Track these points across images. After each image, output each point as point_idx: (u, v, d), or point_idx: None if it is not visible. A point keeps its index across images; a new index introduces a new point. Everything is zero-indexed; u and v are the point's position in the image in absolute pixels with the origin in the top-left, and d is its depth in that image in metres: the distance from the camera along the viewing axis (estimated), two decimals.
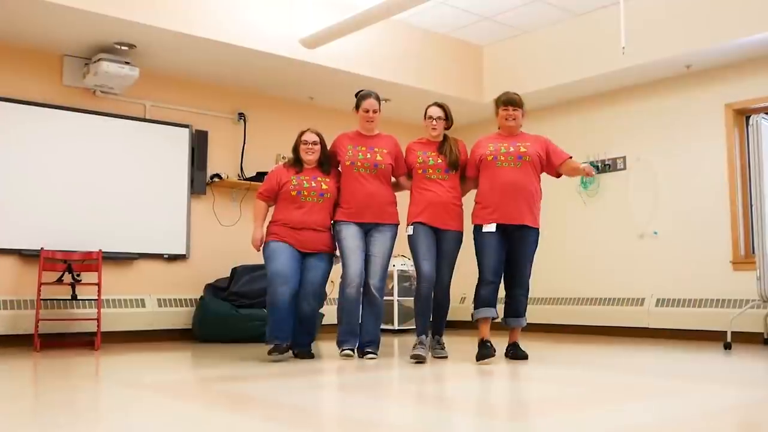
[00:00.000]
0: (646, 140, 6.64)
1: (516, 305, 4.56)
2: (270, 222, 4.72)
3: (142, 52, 5.85)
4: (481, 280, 4.50)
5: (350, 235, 4.61)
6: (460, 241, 4.68)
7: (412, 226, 4.62)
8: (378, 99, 4.76)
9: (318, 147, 4.69)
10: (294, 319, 4.54)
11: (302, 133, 4.74)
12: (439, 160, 4.61)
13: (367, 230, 4.67)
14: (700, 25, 5.74)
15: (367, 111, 4.70)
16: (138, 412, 2.80)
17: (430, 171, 4.62)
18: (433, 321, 4.73)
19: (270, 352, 4.43)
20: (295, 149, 4.74)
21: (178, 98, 6.53)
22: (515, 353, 4.55)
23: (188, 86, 6.60)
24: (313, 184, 4.65)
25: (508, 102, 4.57)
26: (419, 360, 4.38)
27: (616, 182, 6.83)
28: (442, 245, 4.62)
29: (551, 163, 4.61)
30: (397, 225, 4.75)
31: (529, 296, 4.62)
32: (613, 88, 6.85)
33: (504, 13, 6.52)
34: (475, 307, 4.50)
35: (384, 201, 4.67)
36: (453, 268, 4.68)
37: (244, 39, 5.74)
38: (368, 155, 4.66)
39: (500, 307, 4.59)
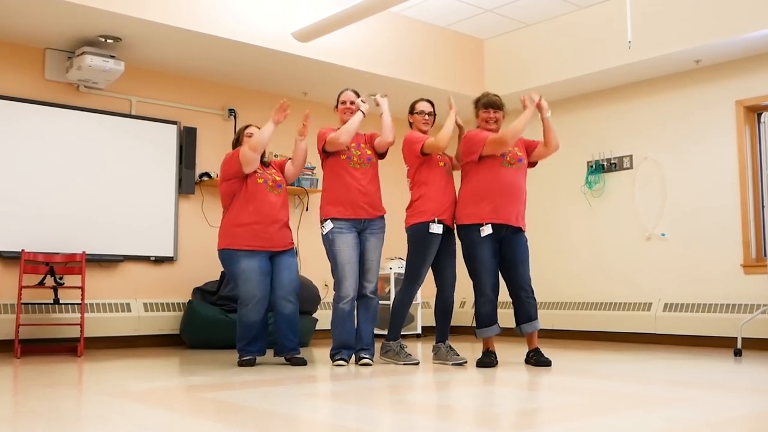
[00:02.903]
0: (653, 138, 6.65)
1: (525, 308, 4.57)
2: (231, 224, 4.69)
3: (128, 46, 5.84)
4: (481, 295, 4.58)
5: (347, 246, 4.61)
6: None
7: (441, 225, 4.61)
8: (357, 94, 4.84)
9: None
10: (279, 323, 4.70)
11: (245, 128, 4.86)
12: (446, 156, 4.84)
13: (360, 230, 4.69)
14: (709, 19, 5.75)
15: (345, 102, 4.78)
16: (122, 421, 2.79)
17: (448, 166, 4.79)
18: (441, 325, 4.82)
19: (241, 365, 4.62)
20: (238, 143, 4.83)
21: (166, 94, 6.52)
22: (537, 359, 4.55)
23: (176, 81, 6.59)
24: (272, 176, 4.78)
25: (489, 104, 4.66)
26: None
27: (622, 182, 6.83)
28: (450, 245, 4.78)
29: (534, 153, 4.72)
30: (384, 217, 4.82)
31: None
32: (618, 84, 6.85)
33: (506, 6, 6.53)
34: (478, 326, 4.63)
35: (376, 195, 4.76)
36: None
37: (235, 32, 5.73)
38: (358, 152, 4.72)
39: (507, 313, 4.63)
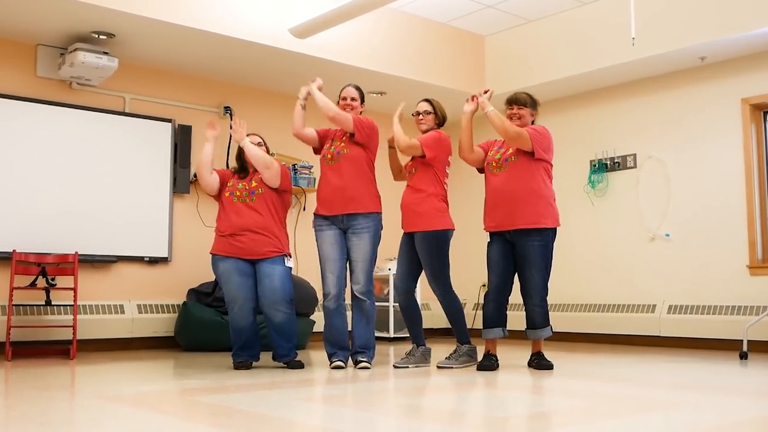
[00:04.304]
0: (657, 137, 6.65)
1: (531, 317, 4.59)
2: (215, 232, 4.85)
3: (122, 42, 5.84)
4: (485, 296, 4.69)
5: (325, 243, 4.70)
6: (434, 242, 4.65)
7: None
8: (359, 90, 4.85)
9: (262, 149, 4.85)
10: (269, 330, 4.72)
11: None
12: (410, 161, 4.83)
13: (344, 229, 4.70)
14: (715, 15, 5.74)
15: (345, 98, 4.78)
16: (115, 425, 2.79)
17: (405, 173, 4.87)
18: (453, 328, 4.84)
19: (237, 367, 4.66)
20: (239, 156, 4.88)
21: (160, 91, 6.51)
22: (539, 363, 4.59)
23: (171, 78, 6.58)
24: (246, 185, 4.77)
25: (512, 101, 4.69)
26: (398, 367, 4.68)
27: (625, 181, 6.83)
28: (418, 250, 4.74)
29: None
30: (375, 214, 4.73)
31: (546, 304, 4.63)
32: (622, 82, 6.85)
33: (507, 1, 6.52)
34: (482, 326, 4.67)
35: (355, 191, 4.67)
36: (437, 273, 4.68)
37: (231, 28, 5.73)
38: (333, 148, 4.75)
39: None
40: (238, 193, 4.74)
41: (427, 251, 4.65)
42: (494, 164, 4.63)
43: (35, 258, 5.54)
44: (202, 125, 6.62)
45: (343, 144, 4.72)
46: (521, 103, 4.64)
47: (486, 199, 4.70)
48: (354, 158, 4.69)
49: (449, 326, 4.91)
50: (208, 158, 4.78)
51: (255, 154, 4.71)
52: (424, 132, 4.80)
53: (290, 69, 6.49)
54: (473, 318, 7.60)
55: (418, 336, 4.82)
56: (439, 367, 4.62)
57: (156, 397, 3.56)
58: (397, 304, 4.86)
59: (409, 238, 4.78)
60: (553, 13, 6.78)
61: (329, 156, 4.74)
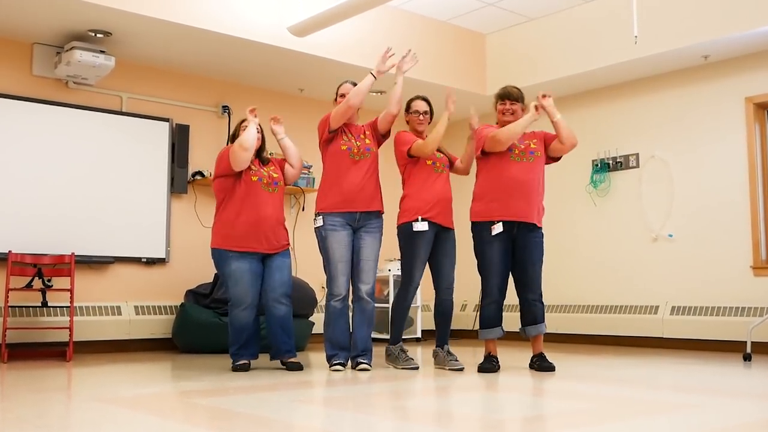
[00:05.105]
0: (660, 136, 6.65)
1: (532, 311, 4.58)
2: (224, 222, 4.70)
3: (119, 40, 5.84)
4: (486, 296, 4.59)
5: (340, 244, 4.62)
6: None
7: (426, 222, 4.62)
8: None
9: (260, 136, 4.80)
10: (271, 325, 4.71)
11: (242, 122, 4.80)
12: (440, 155, 4.81)
13: (356, 228, 4.68)
14: (718, 13, 5.75)
15: (343, 95, 4.75)
16: (113, 428, 2.79)
17: (438, 164, 4.77)
18: (439, 329, 4.79)
19: (235, 369, 4.62)
20: (235, 138, 4.81)
21: (158, 90, 6.51)
22: (541, 365, 4.57)
23: (168, 77, 6.59)
24: (269, 173, 4.76)
25: (505, 95, 4.67)
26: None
27: (628, 181, 6.84)
28: (445, 245, 4.72)
29: (550, 147, 4.67)
30: (382, 215, 4.80)
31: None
32: (624, 80, 6.86)
33: None
34: (481, 327, 4.63)
35: (375, 189, 4.75)
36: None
37: (229, 26, 5.73)
38: (358, 143, 4.73)
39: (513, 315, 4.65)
40: (265, 181, 4.71)
41: (454, 248, 4.77)
42: (516, 152, 4.55)
43: (31, 259, 5.54)
44: (200, 124, 6.69)
45: (369, 141, 4.74)
46: (514, 98, 4.65)
47: (500, 185, 4.54)
48: (376, 156, 4.78)
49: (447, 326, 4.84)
50: (255, 139, 4.65)
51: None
52: (421, 132, 4.81)
53: (289, 68, 6.50)
54: (474, 319, 7.60)
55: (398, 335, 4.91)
56: (451, 370, 4.60)
57: (154, 400, 3.56)
58: (410, 301, 4.76)
59: (432, 235, 4.68)
60: (555, 11, 6.79)
61: (355, 150, 4.69)
